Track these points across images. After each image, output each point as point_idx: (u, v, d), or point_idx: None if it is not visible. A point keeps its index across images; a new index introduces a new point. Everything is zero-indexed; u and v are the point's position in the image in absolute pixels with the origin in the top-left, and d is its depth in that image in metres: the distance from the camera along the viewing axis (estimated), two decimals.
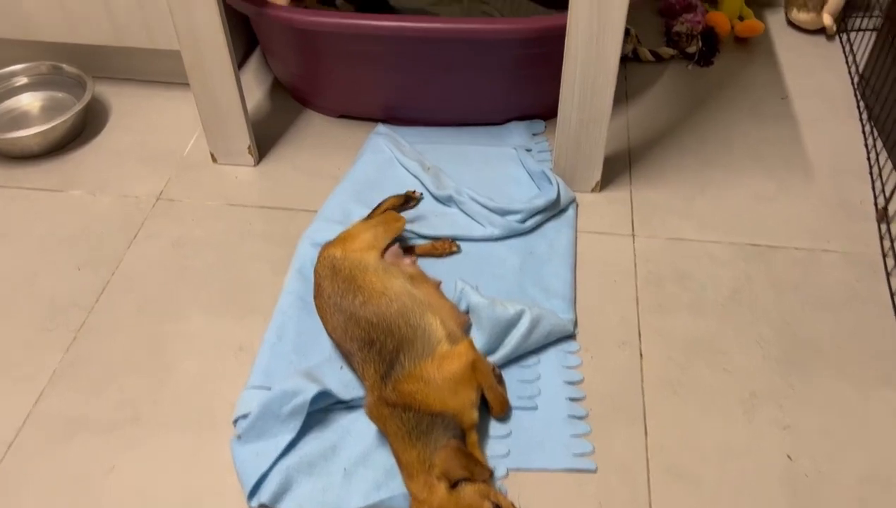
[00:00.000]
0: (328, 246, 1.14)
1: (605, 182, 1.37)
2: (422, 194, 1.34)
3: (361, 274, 1.05)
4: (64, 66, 1.55)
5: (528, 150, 1.44)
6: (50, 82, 1.57)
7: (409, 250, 1.22)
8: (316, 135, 1.51)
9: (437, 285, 1.08)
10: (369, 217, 1.21)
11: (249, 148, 1.41)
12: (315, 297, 1.08)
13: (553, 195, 1.27)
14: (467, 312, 1.10)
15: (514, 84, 1.45)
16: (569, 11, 1.14)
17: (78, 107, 1.46)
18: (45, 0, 1.48)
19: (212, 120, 1.38)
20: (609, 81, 1.21)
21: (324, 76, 1.49)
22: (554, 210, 1.29)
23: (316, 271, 1.11)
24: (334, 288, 1.05)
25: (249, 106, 1.56)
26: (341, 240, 1.14)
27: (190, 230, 1.31)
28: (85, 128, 1.53)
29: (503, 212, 1.27)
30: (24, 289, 1.22)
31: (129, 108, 1.59)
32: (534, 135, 1.49)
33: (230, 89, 1.33)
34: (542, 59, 1.40)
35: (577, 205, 1.33)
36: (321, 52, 1.43)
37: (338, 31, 1.35)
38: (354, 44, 1.38)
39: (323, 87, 1.51)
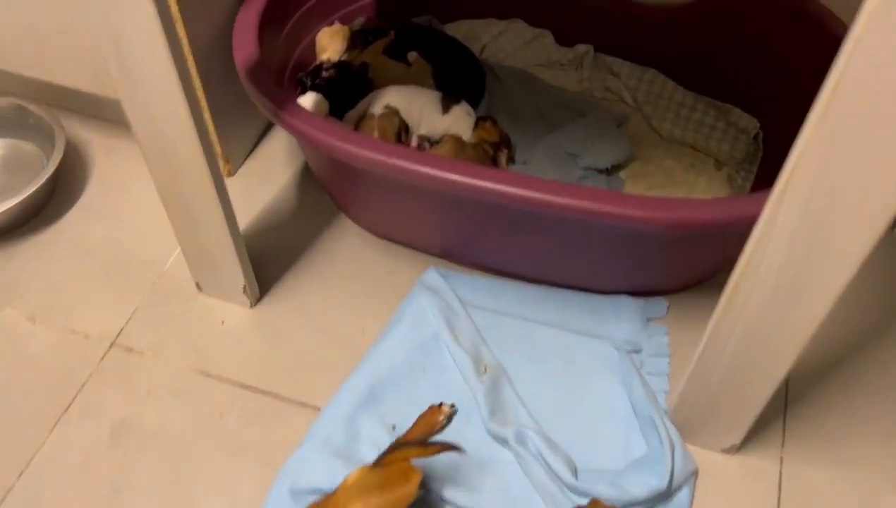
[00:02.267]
0: None
1: (746, 438, 0.91)
2: (455, 409, 0.92)
3: None
4: (31, 107, 1.15)
5: (638, 352, 0.99)
6: (11, 125, 1.18)
7: None
8: (346, 262, 1.09)
9: None
10: (381, 458, 0.80)
11: (245, 288, 1.00)
12: None
13: (662, 483, 0.83)
14: None
15: (635, 260, 0.98)
16: (754, 235, 0.67)
17: (40, 181, 1.08)
18: (14, 24, 1.08)
19: (193, 249, 0.98)
20: (792, 350, 0.74)
21: (369, 199, 1.05)
22: (660, 499, 0.85)
23: None
24: None
25: (273, 190, 1.19)
26: None
27: (139, 411, 0.94)
28: (50, 199, 1.15)
29: (580, 493, 0.84)
30: None
31: (110, 174, 1.19)
32: (649, 320, 1.02)
33: (215, 220, 0.91)
34: (683, 245, 0.93)
35: (697, 476, 0.89)
36: (370, 181, 0.99)
37: (400, 179, 0.91)
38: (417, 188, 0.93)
39: (365, 206, 1.08)
